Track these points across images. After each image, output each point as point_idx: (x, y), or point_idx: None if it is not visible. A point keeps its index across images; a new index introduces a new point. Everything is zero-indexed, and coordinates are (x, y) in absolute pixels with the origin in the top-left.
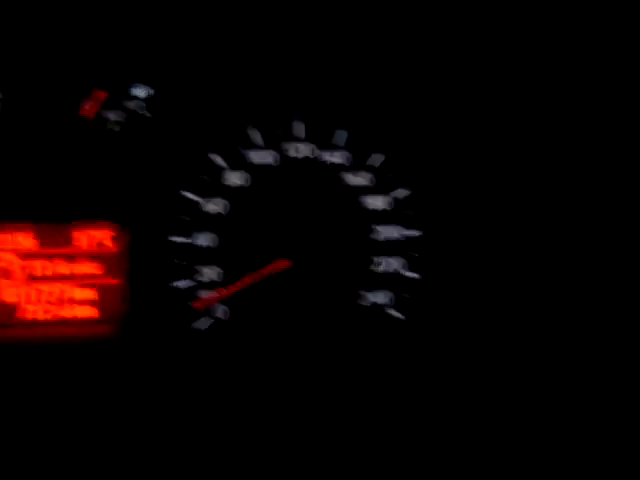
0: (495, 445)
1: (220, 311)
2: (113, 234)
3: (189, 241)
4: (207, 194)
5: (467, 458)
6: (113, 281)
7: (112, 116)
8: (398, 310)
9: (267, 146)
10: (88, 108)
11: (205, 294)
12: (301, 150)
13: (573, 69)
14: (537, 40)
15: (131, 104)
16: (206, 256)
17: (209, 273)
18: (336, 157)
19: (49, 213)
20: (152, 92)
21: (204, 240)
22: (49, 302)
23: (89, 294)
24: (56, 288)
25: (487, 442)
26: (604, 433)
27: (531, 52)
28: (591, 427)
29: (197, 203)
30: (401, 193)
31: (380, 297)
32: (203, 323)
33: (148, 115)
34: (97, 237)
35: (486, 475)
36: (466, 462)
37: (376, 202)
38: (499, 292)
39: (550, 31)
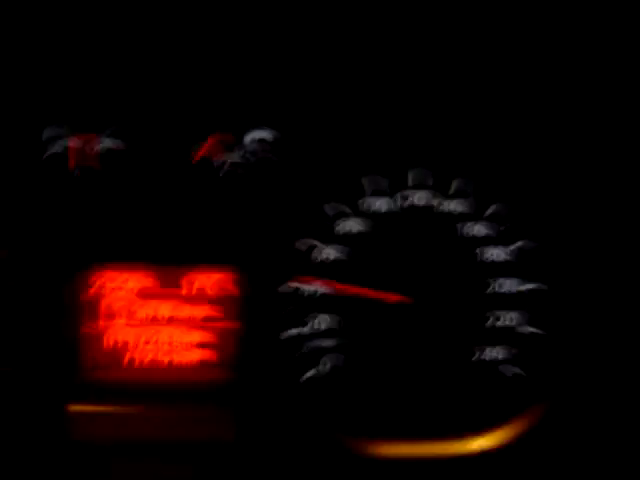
0: None
1: (331, 360)
2: (234, 277)
3: (307, 289)
4: (325, 240)
5: None
6: (231, 325)
7: (235, 159)
8: (518, 366)
9: (389, 193)
10: (213, 150)
11: (319, 343)
12: (418, 198)
13: None
14: None
15: (256, 147)
16: (322, 304)
17: (325, 321)
18: (454, 206)
19: (170, 255)
20: (277, 135)
21: (322, 289)
22: (166, 344)
23: (207, 337)
24: (174, 330)
25: None
26: None
27: None
28: None
29: (315, 249)
30: (523, 244)
31: (501, 352)
32: (315, 372)
33: (274, 158)
34: (217, 280)
35: None
36: None
37: (497, 253)
38: (624, 351)
39: None
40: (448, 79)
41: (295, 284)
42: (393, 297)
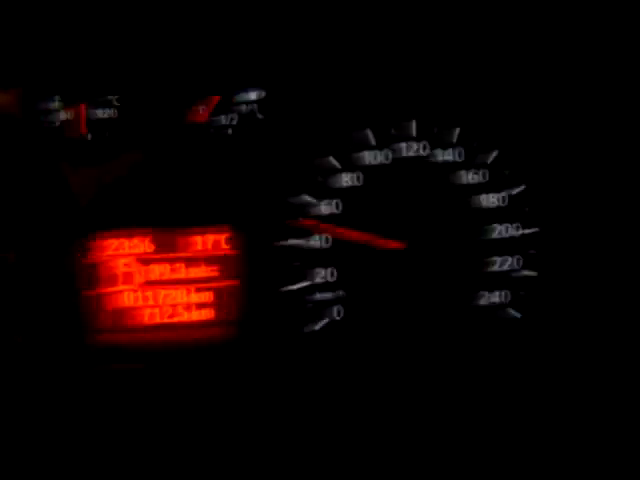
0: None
1: (334, 311)
2: (229, 236)
3: (302, 243)
4: (319, 196)
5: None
6: (230, 283)
7: (224, 120)
8: (515, 309)
9: (379, 146)
10: (200, 113)
11: (319, 296)
12: (415, 149)
13: None
14: None
15: (243, 107)
16: (320, 258)
17: (323, 274)
18: (451, 155)
19: (165, 218)
20: (264, 94)
21: (318, 242)
22: (167, 305)
23: (206, 297)
24: (174, 292)
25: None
26: None
27: None
28: None
29: (310, 205)
30: (516, 190)
31: (496, 296)
32: (317, 324)
33: (260, 117)
34: (213, 240)
35: None
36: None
37: (490, 200)
38: (617, 287)
39: None
40: (433, 29)
41: (293, 234)
42: (390, 243)
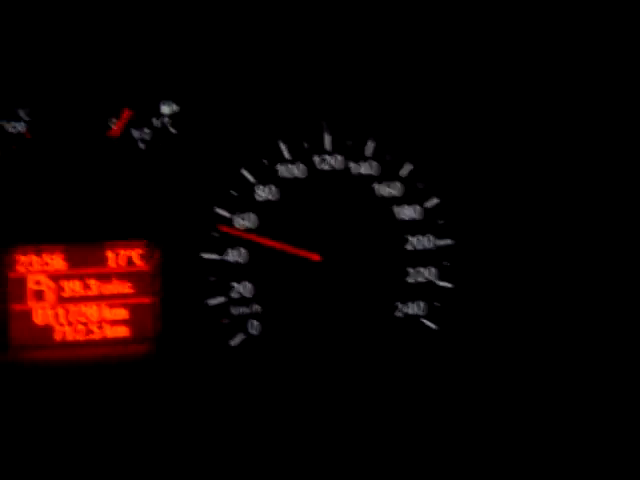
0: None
1: (252, 326)
2: (142, 252)
3: (220, 258)
4: (237, 210)
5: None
6: (145, 300)
7: (138, 134)
8: (431, 320)
9: (296, 159)
10: (114, 127)
11: (237, 310)
12: (330, 162)
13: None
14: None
15: (157, 121)
16: (238, 272)
17: (241, 289)
18: (365, 168)
19: (79, 233)
20: (177, 108)
21: (235, 256)
22: (81, 323)
23: (121, 314)
24: (88, 309)
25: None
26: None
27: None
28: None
29: (227, 219)
30: (432, 202)
31: (414, 308)
32: (234, 339)
33: (174, 132)
34: (126, 256)
35: None
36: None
37: (407, 212)
38: (532, 298)
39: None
40: (350, 43)
41: (208, 248)
42: (307, 254)
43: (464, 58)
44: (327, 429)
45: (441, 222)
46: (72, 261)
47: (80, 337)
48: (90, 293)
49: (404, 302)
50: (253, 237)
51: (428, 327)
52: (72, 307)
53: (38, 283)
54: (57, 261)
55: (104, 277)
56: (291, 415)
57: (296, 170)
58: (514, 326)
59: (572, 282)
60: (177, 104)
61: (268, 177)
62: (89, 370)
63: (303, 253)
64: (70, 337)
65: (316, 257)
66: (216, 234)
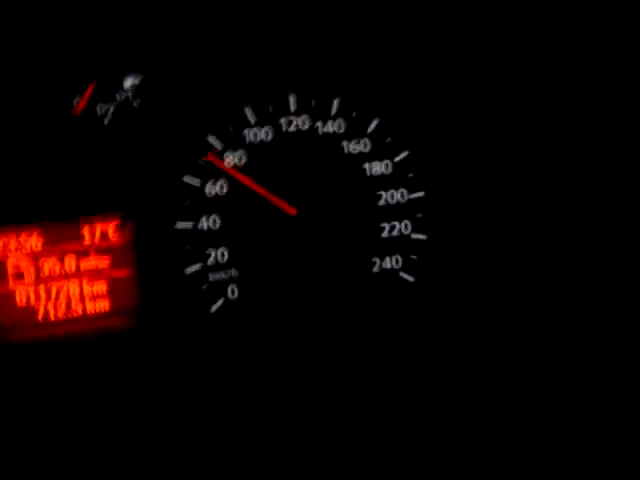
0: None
1: (229, 291)
2: (117, 225)
3: (194, 226)
4: (206, 177)
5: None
6: (122, 273)
7: (101, 109)
8: (407, 273)
9: (262, 123)
10: (76, 105)
11: (215, 277)
12: (297, 123)
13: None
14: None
15: (120, 95)
16: (212, 239)
17: (217, 255)
18: (333, 126)
19: (53, 211)
20: (138, 80)
21: (209, 223)
22: (63, 300)
23: (100, 288)
24: (68, 285)
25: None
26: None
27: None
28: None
29: (198, 187)
30: (399, 156)
31: (391, 262)
32: (214, 305)
33: (136, 104)
34: (101, 230)
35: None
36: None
37: (378, 168)
38: (504, 244)
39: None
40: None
41: (181, 217)
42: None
43: (422, 15)
44: (311, 391)
45: (412, 175)
46: (49, 239)
47: (62, 314)
48: (69, 270)
49: (382, 257)
50: (240, 175)
51: (405, 280)
52: (53, 285)
53: (17, 264)
54: (34, 240)
55: (82, 253)
56: (276, 378)
57: (263, 134)
58: (488, 274)
59: (542, 226)
60: (139, 75)
61: (236, 142)
62: (71, 347)
63: (281, 204)
64: (52, 315)
65: (293, 211)
66: (188, 202)
